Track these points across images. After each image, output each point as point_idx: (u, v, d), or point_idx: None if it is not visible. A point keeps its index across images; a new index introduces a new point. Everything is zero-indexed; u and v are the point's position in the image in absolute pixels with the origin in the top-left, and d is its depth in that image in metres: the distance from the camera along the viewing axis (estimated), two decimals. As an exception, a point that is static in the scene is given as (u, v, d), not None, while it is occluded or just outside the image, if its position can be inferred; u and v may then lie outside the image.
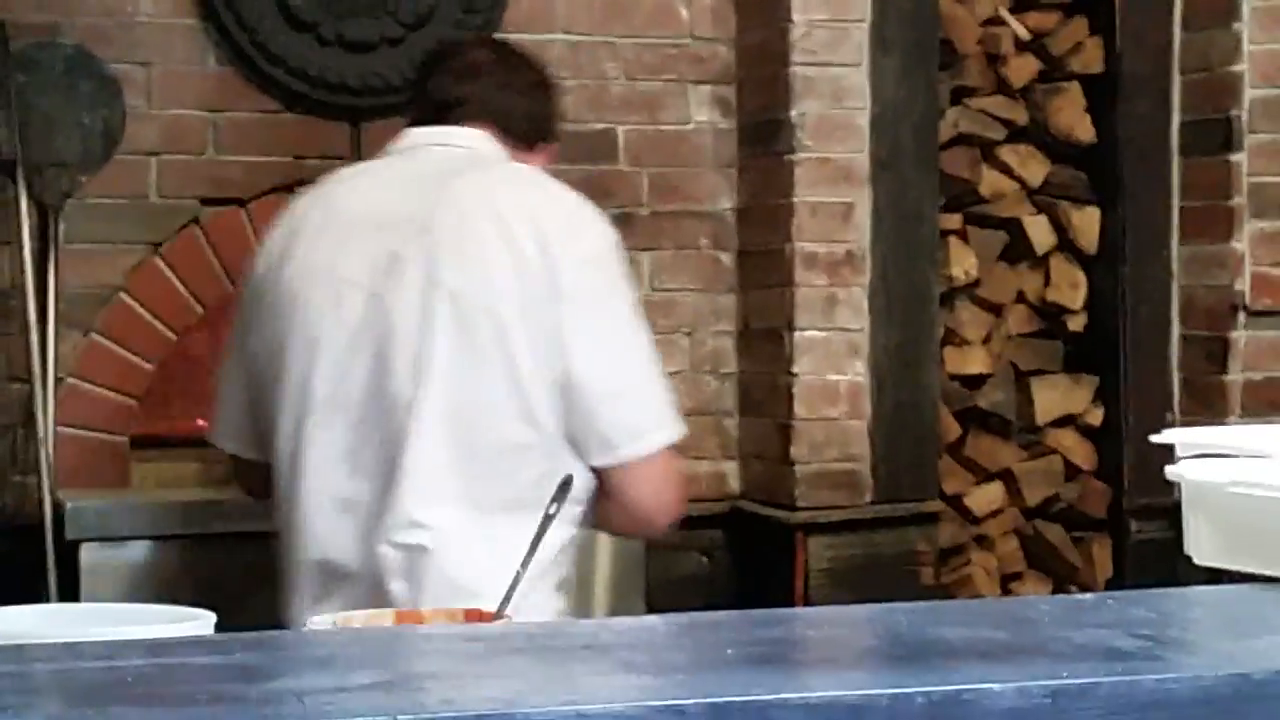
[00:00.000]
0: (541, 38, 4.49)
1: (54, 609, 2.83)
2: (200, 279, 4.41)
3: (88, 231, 4.33)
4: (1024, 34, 4.97)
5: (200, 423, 4.67)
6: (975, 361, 4.91)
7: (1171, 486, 2.12)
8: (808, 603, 4.40)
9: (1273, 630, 1.81)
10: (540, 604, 2.81)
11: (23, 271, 4.21)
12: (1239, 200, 4.79)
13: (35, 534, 4.08)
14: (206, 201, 4.42)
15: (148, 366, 4.39)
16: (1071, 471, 5.00)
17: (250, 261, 3.13)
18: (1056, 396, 4.99)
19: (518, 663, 1.66)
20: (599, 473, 2.94)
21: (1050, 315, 5.01)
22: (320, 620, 2.29)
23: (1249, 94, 4.77)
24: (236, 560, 3.89)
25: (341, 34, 4.45)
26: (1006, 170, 4.95)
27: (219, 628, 2.02)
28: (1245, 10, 4.76)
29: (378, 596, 2.82)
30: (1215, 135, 4.83)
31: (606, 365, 2.91)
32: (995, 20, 4.95)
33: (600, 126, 4.64)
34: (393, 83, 4.44)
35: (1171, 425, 4.61)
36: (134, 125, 4.36)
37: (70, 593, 3.95)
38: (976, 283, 4.90)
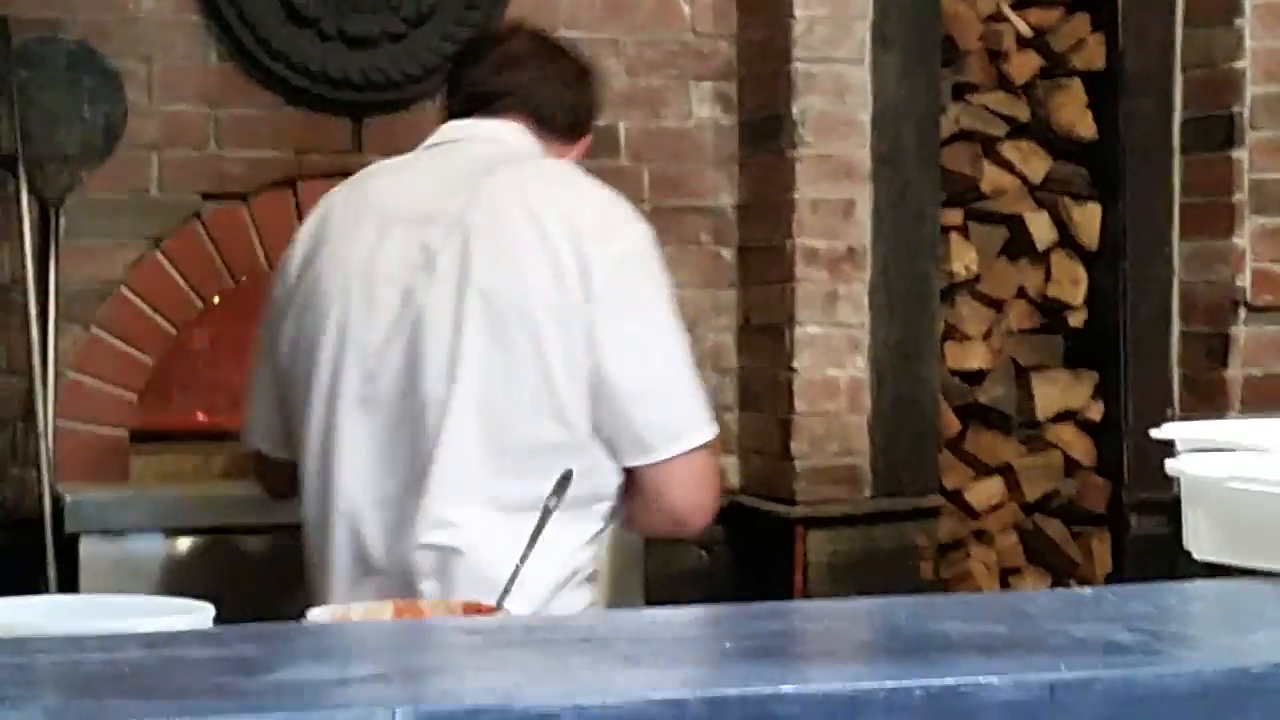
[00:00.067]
0: (543, 33, 4.48)
1: (54, 601, 2.82)
2: (201, 274, 4.41)
3: (89, 226, 4.33)
4: (1026, 30, 4.97)
5: (200, 416, 4.68)
6: (976, 357, 4.91)
7: (1171, 481, 2.11)
8: (807, 597, 4.39)
9: (1271, 624, 1.81)
10: (572, 600, 2.83)
11: (24, 266, 4.21)
12: (1240, 196, 4.79)
13: (35, 527, 4.08)
14: (208, 196, 4.42)
15: (148, 361, 4.39)
16: (1071, 466, 5.00)
17: (281, 254, 3.09)
18: (1056, 392, 4.99)
19: (516, 655, 1.66)
20: (632, 473, 2.90)
21: (1051, 311, 5.02)
22: (319, 613, 2.29)
23: (1250, 90, 4.77)
24: (236, 553, 3.89)
25: (343, 29, 4.45)
26: (1008, 166, 4.95)
27: (218, 620, 2.03)
28: (1247, 7, 4.76)
29: (408, 594, 2.79)
30: (1216, 131, 4.83)
31: (639, 365, 2.87)
32: (997, 17, 4.95)
33: (602, 122, 4.62)
34: (394, 78, 4.45)
35: (1171, 420, 4.60)
36: (135, 120, 4.36)
37: (70, 586, 3.95)
38: (977, 278, 4.90)
